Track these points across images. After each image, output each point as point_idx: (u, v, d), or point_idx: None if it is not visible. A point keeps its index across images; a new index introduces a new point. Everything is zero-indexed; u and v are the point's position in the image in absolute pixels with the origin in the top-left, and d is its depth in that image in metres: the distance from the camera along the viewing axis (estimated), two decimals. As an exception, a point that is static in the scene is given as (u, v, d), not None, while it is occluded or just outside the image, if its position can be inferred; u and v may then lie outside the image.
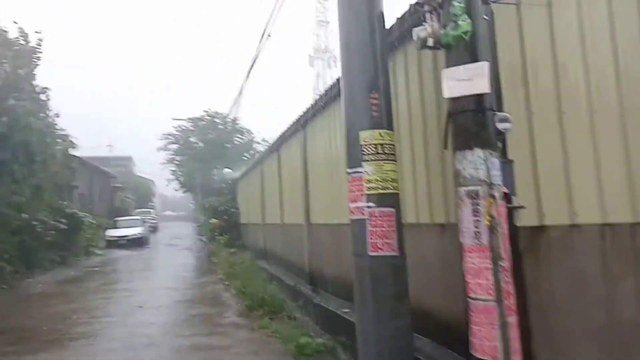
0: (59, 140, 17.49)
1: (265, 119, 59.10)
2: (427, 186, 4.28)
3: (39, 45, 13.65)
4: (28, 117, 11.82)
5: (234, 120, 27.86)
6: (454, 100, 2.99)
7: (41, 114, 13.81)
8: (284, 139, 10.24)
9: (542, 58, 3.39)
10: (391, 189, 3.46)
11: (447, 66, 3.02)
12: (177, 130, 31.65)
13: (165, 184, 38.62)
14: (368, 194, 3.43)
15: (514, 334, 2.80)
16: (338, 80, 6.17)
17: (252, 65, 10.78)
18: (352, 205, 3.56)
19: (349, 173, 3.56)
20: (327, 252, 7.44)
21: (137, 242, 24.13)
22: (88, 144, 32.65)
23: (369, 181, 3.43)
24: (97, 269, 14.17)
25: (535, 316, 3.25)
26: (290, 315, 6.85)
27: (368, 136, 3.46)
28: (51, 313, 7.58)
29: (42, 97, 13.85)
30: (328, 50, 65.27)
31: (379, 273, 3.40)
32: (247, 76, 11.25)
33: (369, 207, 3.43)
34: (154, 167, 34.64)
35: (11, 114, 11.58)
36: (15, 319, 7.13)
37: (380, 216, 3.41)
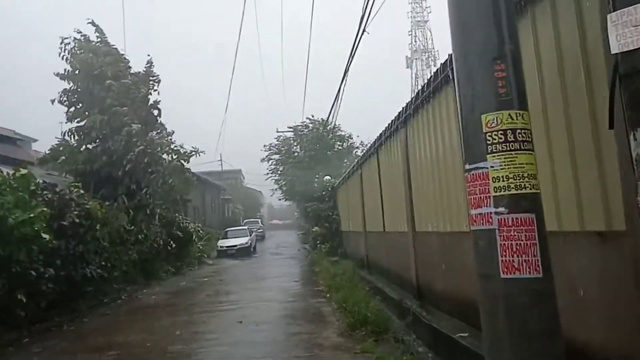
0: (175, 156, 18.65)
1: (362, 124, 58.75)
2: (574, 182, 3.27)
3: (152, 69, 14.67)
4: (142, 136, 12.60)
5: (334, 127, 27.75)
6: (627, 56, 2.06)
7: (155, 132, 14.74)
8: (382, 139, 9.51)
9: None
10: (529, 187, 2.59)
11: (614, 9, 2.10)
12: (278, 141, 32.52)
13: (269, 194, 39.95)
14: (496, 196, 2.60)
15: None
16: (444, 64, 5.31)
17: (348, 66, 10.22)
18: (474, 211, 2.74)
19: (468, 170, 2.76)
20: (438, 263, 6.54)
21: (245, 252, 24.98)
22: (201, 160, 35.07)
23: (497, 179, 2.61)
24: (205, 279, 14.68)
25: None
26: (397, 337, 6.05)
27: (493, 120, 2.64)
28: (157, 327, 7.75)
29: (155, 113, 14.77)
30: (427, 50, 63.42)
31: (517, 302, 2.54)
32: (344, 77, 10.72)
33: (498, 213, 2.60)
34: (262, 178, 35.86)
35: (127, 134, 12.45)
36: (124, 334, 7.36)
37: (515, 225, 2.57)
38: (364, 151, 14.39)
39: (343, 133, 31.16)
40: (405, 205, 7.87)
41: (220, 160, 47.79)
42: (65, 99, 13.02)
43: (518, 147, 2.60)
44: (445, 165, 5.88)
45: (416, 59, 64.76)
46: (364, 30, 8.69)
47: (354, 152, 30.60)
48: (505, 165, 2.59)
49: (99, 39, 13.08)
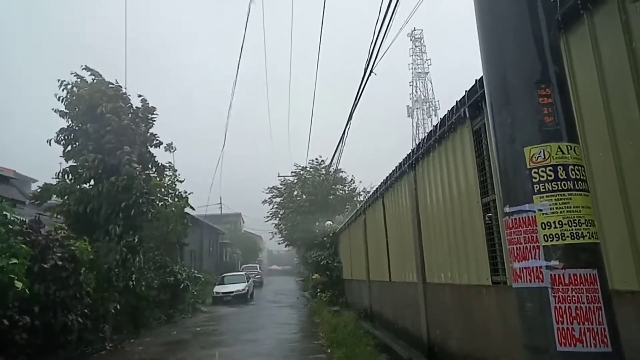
0: (176, 200, 18.27)
1: (365, 172, 58.89)
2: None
3: (153, 109, 14.37)
4: (129, 167, 12.02)
5: (336, 171, 27.48)
6: None
7: (148, 170, 14.25)
8: (388, 183, 9.07)
9: None
10: (587, 236, 2.13)
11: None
12: (281, 184, 32.17)
13: (269, 237, 39.06)
14: (547, 246, 2.14)
15: None
16: (461, 101, 4.94)
17: (353, 109, 9.99)
18: (518, 264, 2.25)
19: (509, 214, 2.28)
20: (454, 320, 5.90)
21: (241, 299, 23.95)
22: (200, 202, 34.67)
23: (548, 225, 2.14)
24: (199, 329, 13.77)
25: None
26: (409, 404, 5.33)
27: (540, 153, 2.20)
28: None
29: (154, 152, 14.37)
30: (427, 100, 64.70)
31: (581, 384, 1.99)
32: (349, 120, 10.48)
33: (550, 267, 2.12)
34: (261, 222, 35.20)
35: (118, 169, 11.94)
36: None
37: (573, 283, 2.09)
38: (368, 196, 13.93)
39: (345, 175, 30.83)
40: (415, 254, 7.30)
41: (220, 203, 47.32)
42: (62, 137, 12.69)
43: (572, 187, 2.15)
44: (461, 209, 5.39)
45: (417, 108, 66.06)
46: (371, 72, 8.50)
47: (355, 197, 30.14)
48: (557, 208, 2.13)
49: (95, 80, 12.91)
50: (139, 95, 14.28)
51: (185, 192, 17.88)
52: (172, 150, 16.19)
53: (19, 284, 6.50)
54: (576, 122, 2.35)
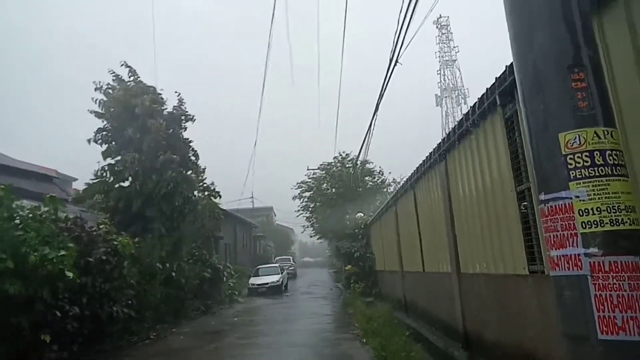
0: (206, 193, 18.80)
1: (394, 163, 58.41)
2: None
3: (184, 107, 14.68)
4: (175, 174, 12.55)
5: (364, 162, 27.39)
6: None
7: (189, 171, 14.72)
8: (419, 173, 8.99)
9: None
10: (628, 222, 2.10)
11: None
12: (309, 178, 32.38)
13: (301, 230, 39.47)
14: (585, 233, 2.10)
15: None
16: (491, 88, 4.85)
17: (379, 100, 9.94)
18: (556, 252, 2.23)
19: (544, 201, 2.27)
20: (489, 309, 5.84)
21: (276, 290, 24.37)
22: (233, 197, 35.31)
23: (586, 212, 2.11)
24: (236, 319, 14.14)
25: None
26: (446, 394, 5.33)
27: (575, 139, 2.17)
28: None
29: (190, 154, 14.75)
30: (456, 88, 63.29)
31: (623, 373, 1.97)
32: (375, 112, 10.44)
33: (589, 254, 2.10)
34: (293, 215, 35.58)
35: (160, 171, 12.43)
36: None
37: (613, 270, 2.07)
38: (398, 187, 13.85)
39: (373, 167, 30.63)
40: (448, 244, 7.24)
41: (252, 197, 48.04)
42: (99, 137, 13.20)
43: (610, 172, 2.11)
44: (494, 199, 5.31)
45: (446, 97, 64.81)
46: (396, 62, 8.43)
47: (385, 189, 29.96)
48: (595, 194, 2.10)
49: (131, 79, 13.35)
50: (176, 93, 14.54)
51: (212, 183, 18.19)
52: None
53: (69, 274, 6.88)
54: (613, 107, 2.29)
